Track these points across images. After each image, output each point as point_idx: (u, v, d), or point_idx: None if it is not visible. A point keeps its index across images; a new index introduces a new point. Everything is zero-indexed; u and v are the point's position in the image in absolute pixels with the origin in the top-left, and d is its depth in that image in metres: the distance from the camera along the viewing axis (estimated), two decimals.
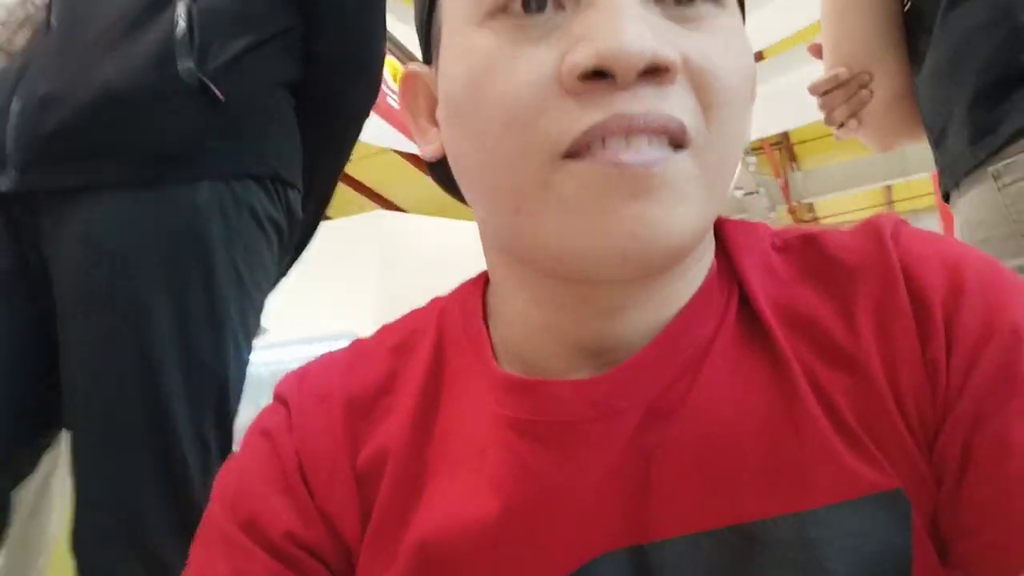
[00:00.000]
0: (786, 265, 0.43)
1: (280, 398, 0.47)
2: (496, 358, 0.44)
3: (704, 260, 0.43)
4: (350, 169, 5.17)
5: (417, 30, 0.45)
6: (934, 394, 0.38)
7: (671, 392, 0.40)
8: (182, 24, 0.85)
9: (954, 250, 0.41)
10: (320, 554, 0.43)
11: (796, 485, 0.38)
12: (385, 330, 0.50)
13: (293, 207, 0.98)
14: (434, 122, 0.43)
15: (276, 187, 0.93)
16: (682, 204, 0.35)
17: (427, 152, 0.44)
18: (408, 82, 0.45)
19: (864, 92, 0.91)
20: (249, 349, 0.93)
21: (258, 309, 0.95)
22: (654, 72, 0.34)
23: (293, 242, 1.03)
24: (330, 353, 0.49)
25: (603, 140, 0.34)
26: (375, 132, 3.58)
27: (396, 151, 4.85)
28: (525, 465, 0.40)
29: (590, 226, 0.35)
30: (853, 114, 0.93)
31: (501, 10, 0.37)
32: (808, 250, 0.43)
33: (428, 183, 0.53)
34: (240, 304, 0.89)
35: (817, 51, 0.97)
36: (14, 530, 0.98)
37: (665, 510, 0.39)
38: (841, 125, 0.96)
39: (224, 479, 0.46)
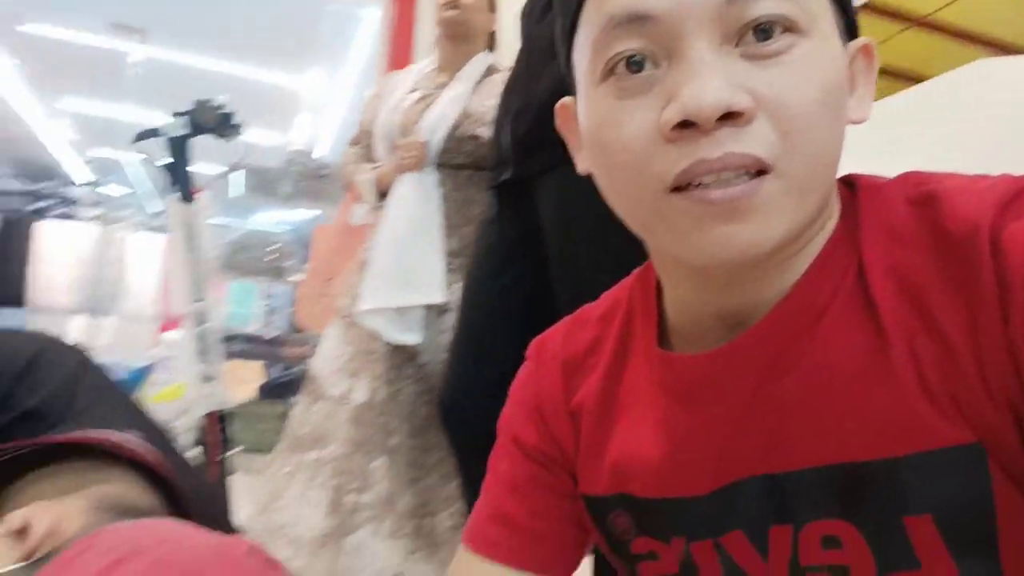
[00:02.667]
0: (914, 222, 0.49)
1: (529, 356, 0.67)
2: (664, 327, 0.57)
3: (824, 231, 0.52)
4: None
5: (564, 75, 0.55)
6: (1016, 370, 0.43)
7: (787, 354, 0.49)
8: None
9: None
10: (555, 462, 0.62)
11: (889, 435, 0.46)
12: (603, 298, 0.65)
13: None
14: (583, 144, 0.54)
15: None
16: (768, 221, 0.44)
17: (581, 168, 0.55)
18: (562, 111, 0.57)
19: None
20: None
21: None
22: (730, 116, 0.43)
23: None
24: (563, 319, 0.67)
25: (698, 176, 0.44)
26: None
27: None
28: (673, 415, 0.54)
29: (692, 244, 0.45)
30: None
31: (611, 72, 0.47)
32: (929, 212, 0.49)
33: None
34: None
35: None
36: None
37: (786, 448, 0.49)
38: None
39: (503, 412, 0.67)
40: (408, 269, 1.83)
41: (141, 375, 4.70)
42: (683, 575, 0.54)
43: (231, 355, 6.33)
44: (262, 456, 4.85)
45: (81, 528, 0.61)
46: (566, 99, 0.57)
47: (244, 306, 7.19)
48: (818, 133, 0.45)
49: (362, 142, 2.17)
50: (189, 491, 0.76)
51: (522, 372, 0.67)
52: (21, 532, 0.58)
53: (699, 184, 0.44)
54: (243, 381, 6.18)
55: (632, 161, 0.46)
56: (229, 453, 1.98)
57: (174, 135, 1.92)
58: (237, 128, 2.02)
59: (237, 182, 5.22)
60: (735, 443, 0.51)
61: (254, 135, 6.50)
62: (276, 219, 7.66)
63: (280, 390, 5.41)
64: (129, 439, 0.71)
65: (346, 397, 1.92)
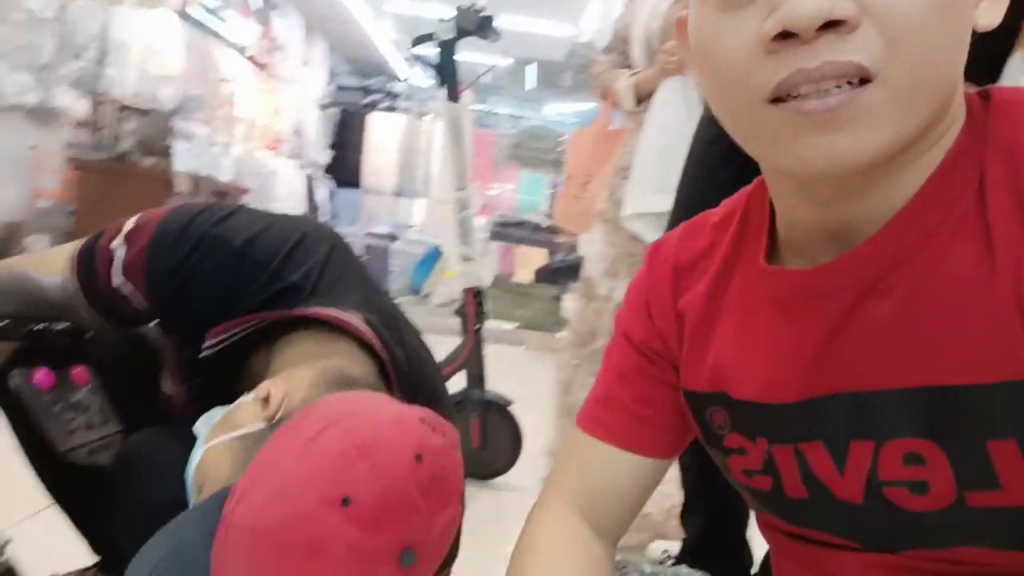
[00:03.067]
0: None
1: (645, 258, 0.70)
2: (776, 238, 0.59)
3: (941, 143, 0.49)
4: None
5: None
6: None
7: (888, 277, 0.49)
8: None
9: None
10: (660, 356, 0.66)
11: (984, 362, 0.46)
12: (723, 204, 0.67)
13: None
14: None
15: None
16: (868, 131, 0.43)
17: (694, 83, 0.58)
18: (679, 26, 0.58)
19: None
20: None
21: None
22: (833, 25, 0.41)
23: None
24: (682, 223, 0.69)
25: (797, 86, 0.44)
26: None
27: None
28: (772, 325, 0.56)
29: (792, 154, 0.46)
30: None
31: None
32: None
33: None
34: None
35: None
36: None
37: (878, 367, 0.50)
38: None
39: (619, 310, 0.72)
40: (671, 174, 1.87)
41: (439, 253, 5.36)
42: (765, 472, 0.58)
43: (518, 240, 6.90)
44: (537, 332, 5.33)
45: (303, 399, 0.72)
46: (684, 12, 0.58)
47: (532, 194, 7.68)
48: (929, 39, 0.42)
49: (617, 49, 2.20)
50: (402, 363, 0.87)
51: (638, 273, 0.71)
52: (265, 400, 0.71)
53: (798, 95, 0.44)
54: (527, 264, 6.73)
55: (732, 73, 0.47)
56: (478, 326, 2.27)
57: (443, 39, 2.13)
58: (497, 30, 2.17)
59: (530, 75, 5.48)
60: (827, 359, 0.52)
61: (543, 27, 6.69)
62: (563, 111, 7.90)
63: (555, 275, 5.84)
64: (352, 317, 0.82)
65: (609, 297, 2.07)
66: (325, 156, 7.87)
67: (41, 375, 0.70)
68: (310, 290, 0.83)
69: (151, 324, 0.88)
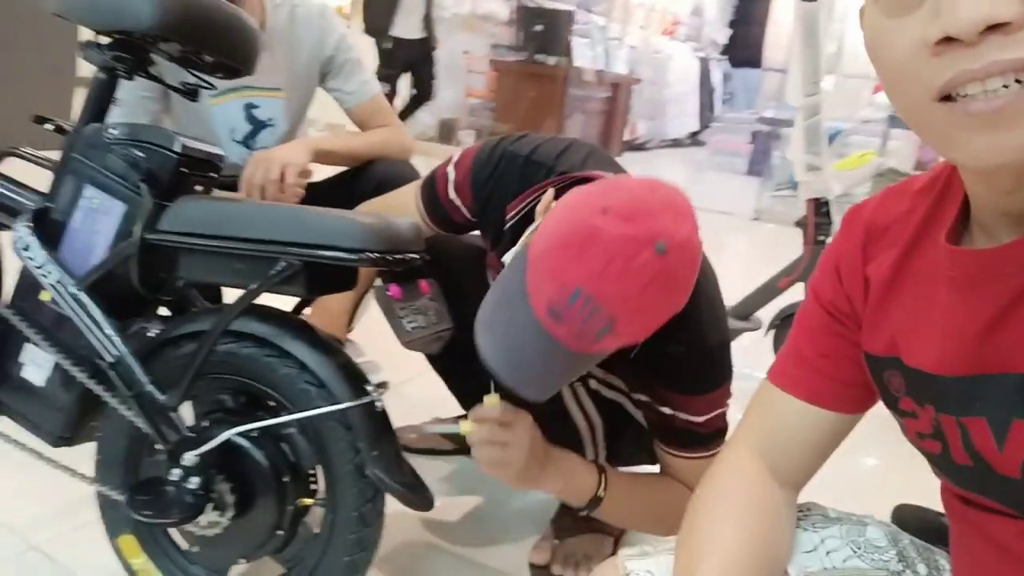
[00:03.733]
0: None
1: (842, 221, 0.72)
2: (969, 215, 0.60)
3: None
4: None
5: None
6: None
7: None
8: None
9: None
10: (846, 316, 0.68)
11: None
12: (930, 170, 0.67)
13: None
14: None
15: None
16: None
17: None
18: (861, 17, 0.59)
19: None
20: None
21: None
22: (998, 27, 0.43)
23: None
24: (888, 188, 0.70)
25: (963, 85, 0.45)
26: None
27: None
28: (948, 300, 0.58)
29: (962, 150, 0.48)
30: None
31: None
32: None
33: None
34: None
35: None
36: None
37: None
38: None
39: (812, 275, 0.75)
40: None
41: (836, 136, 4.92)
42: (935, 437, 0.60)
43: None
44: None
45: None
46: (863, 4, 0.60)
47: None
48: None
49: None
50: None
51: (835, 235, 0.73)
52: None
53: (964, 95, 0.45)
54: None
55: (900, 72, 0.48)
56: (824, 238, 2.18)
57: None
58: None
59: None
60: (997, 337, 0.53)
61: None
62: None
63: None
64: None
65: None
66: (723, 35, 7.62)
67: (394, 289, 0.97)
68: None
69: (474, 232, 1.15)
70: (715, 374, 0.95)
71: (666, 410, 0.95)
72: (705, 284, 0.92)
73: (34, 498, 1.07)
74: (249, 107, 1.43)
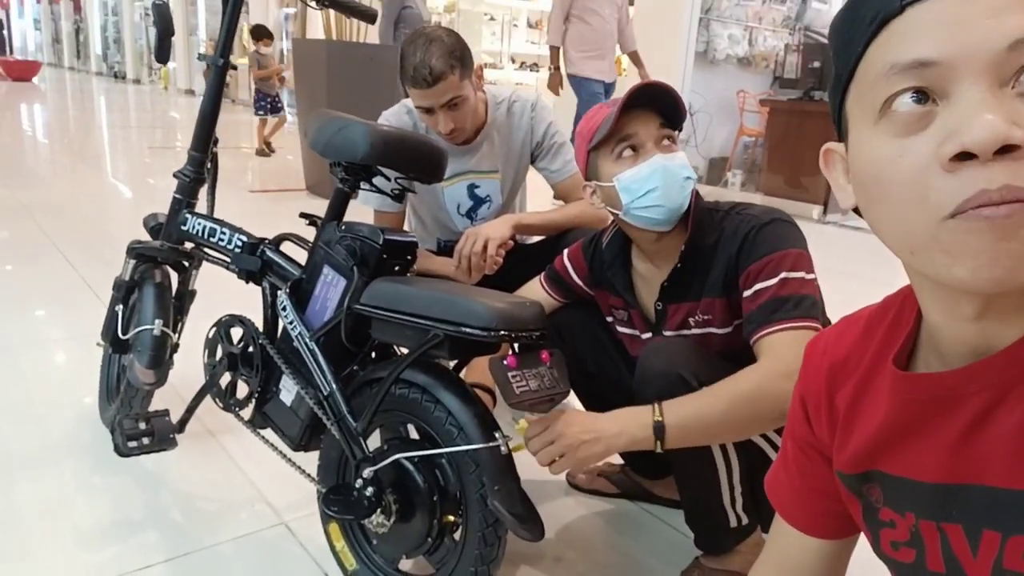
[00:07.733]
0: None
1: (804, 354, 0.75)
2: (918, 340, 0.63)
3: None
4: None
5: (832, 120, 0.62)
6: None
7: (1011, 393, 0.54)
8: None
9: None
10: (816, 452, 0.74)
11: None
12: (883, 300, 0.71)
13: None
14: (849, 181, 0.58)
15: None
16: None
17: (845, 204, 0.61)
18: (826, 155, 0.63)
19: None
20: None
21: None
22: (1007, 151, 0.45)
23: None
24: (841, 319, 0.73)
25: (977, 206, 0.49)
26: None
27: None
28: (918, 416, 0.61)
29: (968, 264, 0.48)
30: None
31: (889, 109, 0.50)
32: None
33: None
34: None
35: None
36: None
37: (1011, 467, 0.54)
38: None
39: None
40: None
41: None
42: (912, 544, 0.63)
43: None
44: None
45: None
46: (829, 144, 0.62)
47: None
48: None
49: None
50: None
51: (801, 366, 0.75)
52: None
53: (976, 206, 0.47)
54: None
55: (910, 191, 0.49)
56: None
57: None
58: None
59: None
60: (965, 451, 0.56)
61: None
62: None
63: None
64: None
65: None
66: None
67: (510, 359, 1.06)
68: None
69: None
70: (773, 236, 1.09)
71: (746, 293, 1.09)
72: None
73: (293, 486, 1.44)
74: (472, 187, 1.76)
